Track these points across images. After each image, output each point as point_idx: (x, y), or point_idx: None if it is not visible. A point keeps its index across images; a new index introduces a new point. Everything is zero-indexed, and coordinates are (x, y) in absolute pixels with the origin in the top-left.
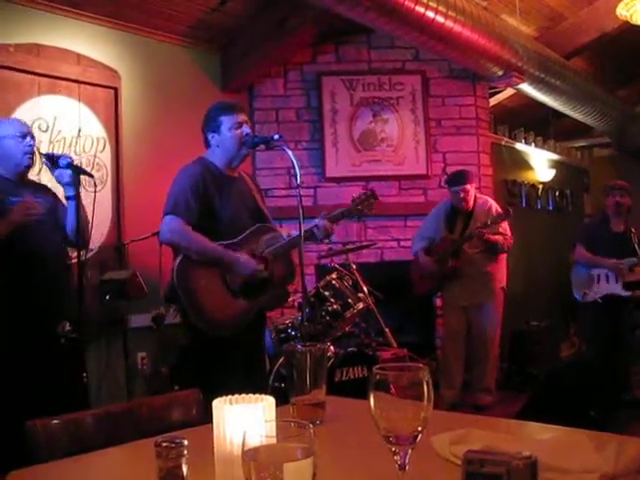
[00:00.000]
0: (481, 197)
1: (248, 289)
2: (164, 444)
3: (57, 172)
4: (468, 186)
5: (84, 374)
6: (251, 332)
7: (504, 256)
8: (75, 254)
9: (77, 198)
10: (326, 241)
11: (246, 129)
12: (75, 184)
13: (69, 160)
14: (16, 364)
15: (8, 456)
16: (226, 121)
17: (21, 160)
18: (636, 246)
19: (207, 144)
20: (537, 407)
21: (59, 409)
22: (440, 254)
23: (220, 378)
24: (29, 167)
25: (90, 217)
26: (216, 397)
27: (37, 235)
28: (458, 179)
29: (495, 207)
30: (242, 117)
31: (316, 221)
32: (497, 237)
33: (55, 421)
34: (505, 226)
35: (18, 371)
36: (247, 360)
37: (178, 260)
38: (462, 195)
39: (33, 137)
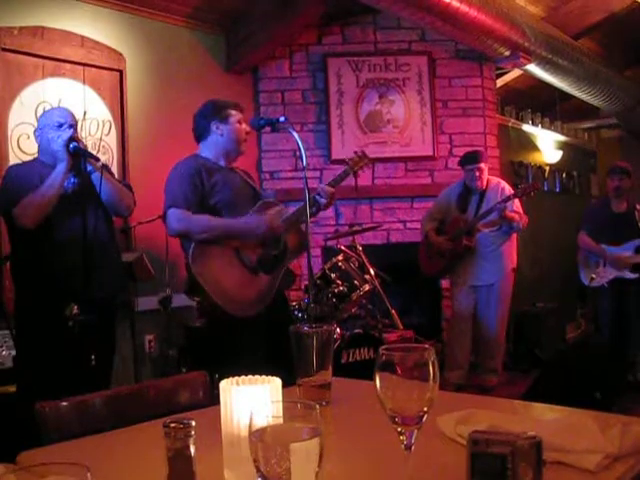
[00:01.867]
0: (493, 179)
1: (265, 264)
2: (172, 425)
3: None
4: (482, 165)
5: (92, 357)
6: (272, 313)
7: (515, 237)
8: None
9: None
10: (332, 222)
11: (246, 127)
12: (76, 165)
13: (75, 144)
14: (26, 346)
15: (18, 438)
16: (234, 114)
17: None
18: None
19: (201, 136)
20: (542, 388)
21: (67, 392)
22: (453, 233)
23: (241, 360)
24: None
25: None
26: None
27: (61, 215)
28: (473, 158)
29: (508, 188)
30: (243, 117)
31: (314, 194)
32: (514, 215)
33: (64, 403)
34: (518, 205)
35: (28, 354)
36: (269, 342)
37: (190, 253)
38: (477, 174)
39: (71, 126)
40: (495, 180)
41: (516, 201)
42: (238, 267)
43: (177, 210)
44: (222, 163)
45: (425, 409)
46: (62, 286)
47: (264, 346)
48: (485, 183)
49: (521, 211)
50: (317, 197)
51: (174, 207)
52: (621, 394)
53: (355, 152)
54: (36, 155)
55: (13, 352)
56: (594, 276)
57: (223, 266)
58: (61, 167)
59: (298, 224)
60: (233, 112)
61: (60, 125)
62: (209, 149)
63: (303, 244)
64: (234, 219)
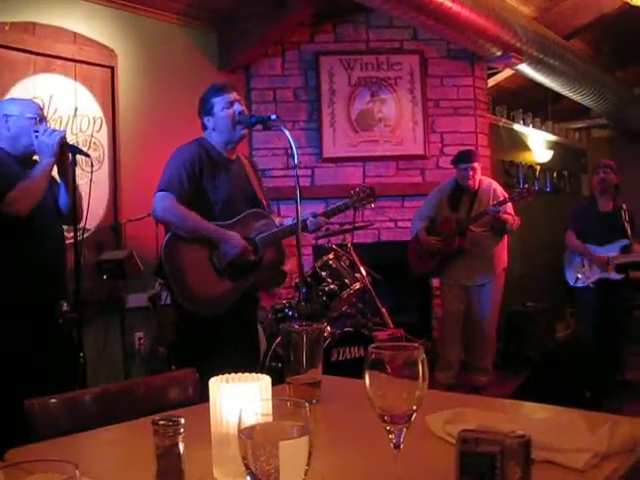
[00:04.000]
0: (485, 179)
1: (234, 270)
2: (161, 422)
3: (39, 141)
4: (476, 164)
5: (81, 354)
6: (240, 312)
7: (506, 237)
8: (71, 234)
9: (68, 175)
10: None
11: (238, 107)
12: (63, 161)
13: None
14: (14, 344)
15: (6, 435)
16: (217, 103)
17: (31, 142)
18: (626, 224)
19: (204, 127)
20: (532, 387)
21: (56, 389)
22: (444, 233)
23: (210, 357)
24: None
25: (87, 197)
26: (208, 375)
27: (38, 214)
28: (467, 157)
29: (500, 190)
30: (233, 96)
31: (308, 214)
32: (507, 217)
33: (53, 400)
34: (510, 207)
35: (16, 351)
36: (237, 340)
37: (167, 237)
38: (470, 173)
39: (46, 121)
40: (487, 180)
41: (508, 203)
42: (206, 266)
43: (166, 196)
44: (224, 152)
45: (414, 408)
46: (46, 284)
47: (233, 342)
48: (477, 183)
49: (513, 213)
50: (308, 223)
51: (166, 191)
52: (610, 394)
53: (362, 186)
54: None
55: None
56: (579, 276)
57: (192, 261)
58: (49, 162)
59: (279, 241)
60: (217, 99)
61: (40, 119)
62: (210, 138)
63: (279, 261)
64: (216, 228)
